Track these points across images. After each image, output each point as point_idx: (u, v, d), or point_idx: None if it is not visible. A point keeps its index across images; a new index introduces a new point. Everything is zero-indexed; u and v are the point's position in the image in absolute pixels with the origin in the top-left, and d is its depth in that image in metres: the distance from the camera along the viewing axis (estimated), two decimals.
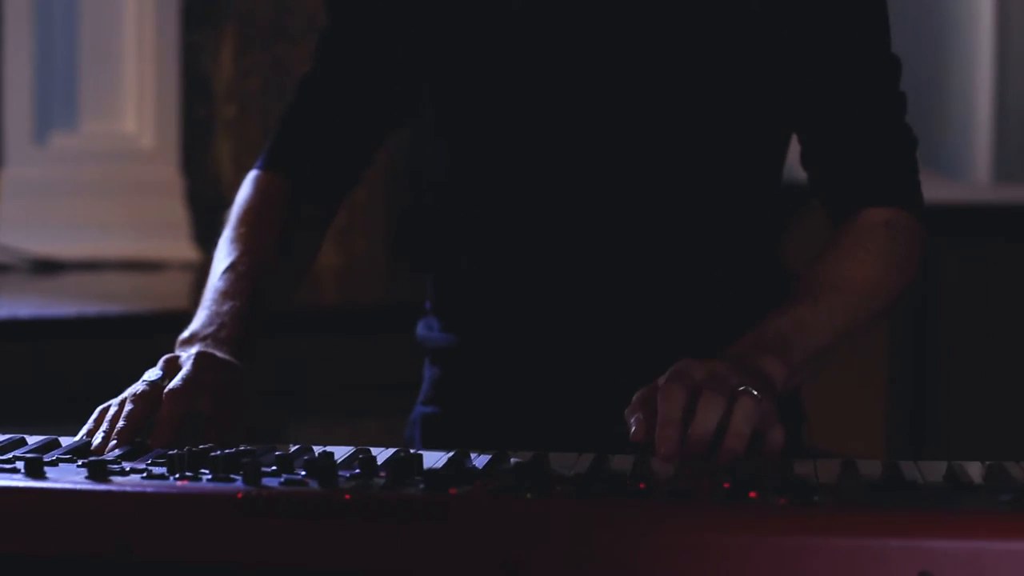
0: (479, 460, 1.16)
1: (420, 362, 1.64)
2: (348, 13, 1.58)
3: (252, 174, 1.62)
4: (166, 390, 1.27)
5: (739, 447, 1.19)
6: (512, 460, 1.18)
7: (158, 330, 2.88)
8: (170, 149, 3.91)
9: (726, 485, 1.00)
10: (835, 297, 1.41)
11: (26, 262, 3.66)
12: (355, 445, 1.20)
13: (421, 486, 0.98)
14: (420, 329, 1.63)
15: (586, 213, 1.50)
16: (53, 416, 2.78)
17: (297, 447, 1.21)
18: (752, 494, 0.97)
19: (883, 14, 1.49)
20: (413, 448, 1.58)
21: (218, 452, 1.05)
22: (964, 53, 3.24)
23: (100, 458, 1.03)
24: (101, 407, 1.30)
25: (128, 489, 0.98)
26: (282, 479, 1.00)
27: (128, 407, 1.27)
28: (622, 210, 1.49)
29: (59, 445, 1.24)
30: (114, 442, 1.24)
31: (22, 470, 1.03)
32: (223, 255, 1.54)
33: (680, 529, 0.91)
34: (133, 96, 3.88)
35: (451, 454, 1.17)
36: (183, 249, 3.79)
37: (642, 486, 1.01)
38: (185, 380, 1.28)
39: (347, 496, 0.93)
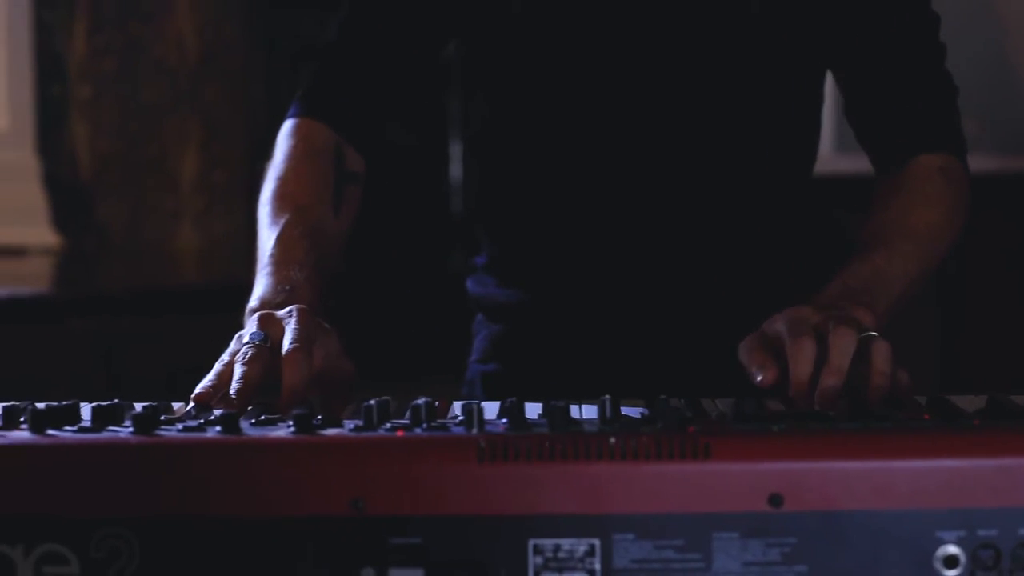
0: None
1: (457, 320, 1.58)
2: None
3: (290, 122, 1.50)
4: (286, 353, 1.17)
5: (886, 385, 1.19)
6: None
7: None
8: (25, 131, 3.76)
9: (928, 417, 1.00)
10: (906, 245, 1.42)
11: None
12: None
13: (659, 424, 0.94)
14: (471, 285, 1.57)
15: (641, 167, 1.49)
16: None
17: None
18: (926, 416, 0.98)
19: None
20: None
21: (413, 404, 0.99)
22: None
23: (301, 413, 0.95)
24: (199, 388, 1.20)
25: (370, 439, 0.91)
26: (506, 422, 0.95)
27: (240, 369, 1.17)
28: (677, 166, 1.49)
29: (171, 412, 1.16)
30: (231, 399, 1.14)
31: (214, 428, 0.95)
32: (275, 213, 1.41)
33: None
34: None
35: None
36: (42, 234, 3.64)
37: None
38: (302, 341, 1.19)
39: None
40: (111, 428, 0.97)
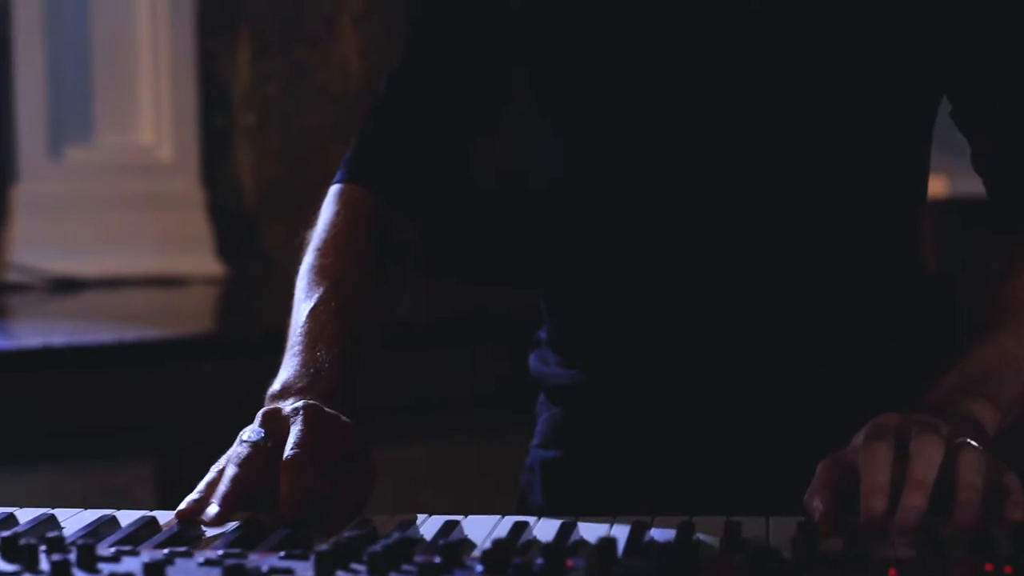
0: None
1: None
2: (444, 3, 1.40)
3: (335, 188, 1.41)
4: (285, 459, 1.08)
5: (976, 501, 1.02)
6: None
7: (179, 356, 2.74)
8: (189, 160, 3.76)
9: (994, 568, 0.83)
10: None
11: (44, 281, 3.50)
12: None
13: None
14: (533, 362, 1.44)
15: (717, 246, 1.32)
16: (62, 451, 2.62)
17: (436, 529, 1.03)
18: None
19: None
20: (532, 496, 1.40)
21: (375, 548, 0.87)
22: None
23: (237, 562, 0.84)
24: (185, 501, 1.11)
25: None
26: None
27: (232, 471, 1.09)
28: (756, 227, 1.32)
29: (158, 528, 1.06)
30: (216, 509, 1.06)
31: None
32: (310, 288, 1.32)
33: None
34: (149, 106, 3.75)
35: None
36: (206, 264, 3.64)
37: (892, 572, 0.83)
38: (304, 445, 1.09)
39: None
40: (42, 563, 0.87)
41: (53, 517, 1.08)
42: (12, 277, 3.53)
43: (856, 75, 1.30)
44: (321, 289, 1.31)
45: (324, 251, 1.36)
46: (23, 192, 3.60)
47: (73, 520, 1.10)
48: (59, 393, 2.67)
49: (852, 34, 1.29)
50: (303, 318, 1.28)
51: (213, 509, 1.06)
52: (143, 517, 1.08)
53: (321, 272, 1.33)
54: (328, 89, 3.74)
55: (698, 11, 1.30)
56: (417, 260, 1.43)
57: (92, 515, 1.11)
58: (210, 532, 1.05)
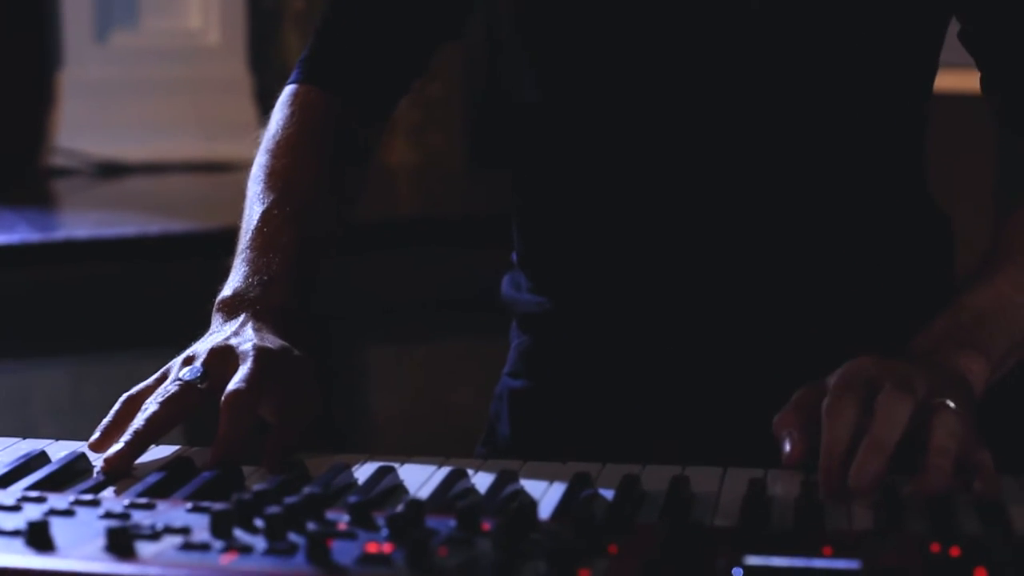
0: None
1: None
2: None
3: (290, 88, 1.34)
4: (226, 395, 1.03)
5: (947, 467, 0.95)
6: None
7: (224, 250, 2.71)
8: (237, 45, 3.71)
9: (936, 550, 0.76)
10: None
11: (90, 165, 3.49)
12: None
13: (541, 566, 0.74)
14: (506, 287, 1.37)
15: (695, 169, 1.23)
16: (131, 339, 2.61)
17: (368, 475, 0.98)
18: (981, 571, 0.73)
19: None
20: (500, 426, 1.35)
21: (275, 508, 0.82)
22: None
23: (123, 524, 0.79)
24: (125, 396, 1.07)
25: (158, 572, 0.75)
26: (359, 554, 0.77)
27: (152, 408, 1.04)
28: (736, 167, 1.22)
29: (87, 469, 1.01)
30: (120, 447, 1.01)
31: (24, 536, 0.80)
32: (262, 190, 1.26)
33: None
34: None
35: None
36: (252, 149, 3.60)
37: (826, 551, 0.77)
38: (249, 384, 1.04)
39: None
40: None
41: None
42: (58, 161, 3.52)
43: (844, 20, 1.19)
44: (274, 192, 1.25)
45: (277, 152, 1.30)
46: (69, 77, 3.57)
47: (8, 452, 1.06)
48: (114, 284, 2.68)
49: None
50: (255, 221, 1.23)
51: (117, 447, 1.01)
52: (75, 452, 1.03)
53: (274, 174, 1.27)
54: None
55: None
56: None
57: (28, 446, 1.07)
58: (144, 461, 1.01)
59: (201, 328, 1.17)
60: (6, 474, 0.97)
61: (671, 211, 1.23)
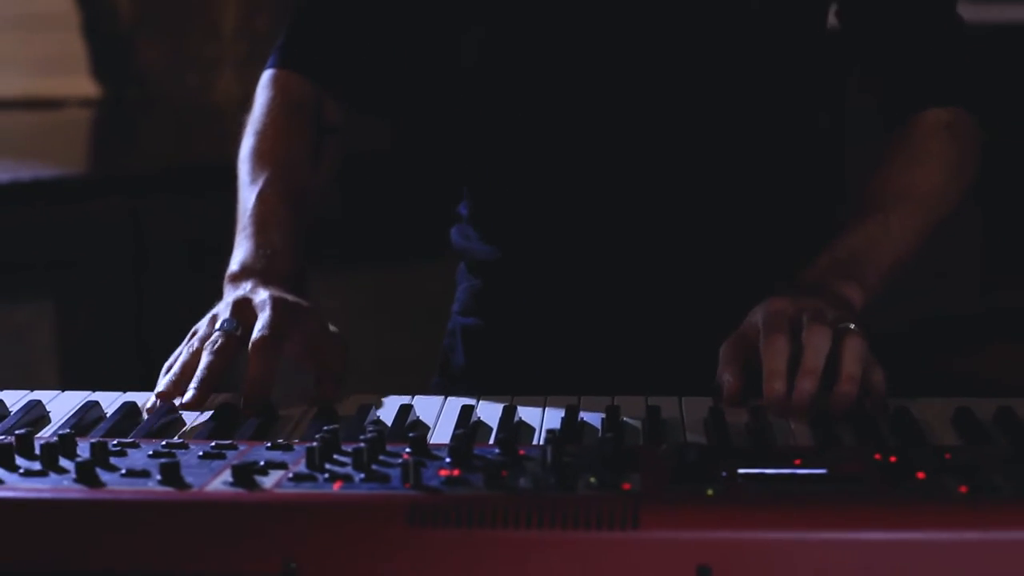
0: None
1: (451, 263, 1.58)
2: None
3: (270, 72, 1.50)
4: (254, 341, 1.19)
5: (853, 391, 1.18)
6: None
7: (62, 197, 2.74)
8: None
9: (878, 458, 0.99)
10: (903, 208, 1.38)
11: None
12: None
13: (592, 479, 0.95)
14: (455, 236, 1.56)
15: (629, 128, 1.44)
16: None
17: (394, 413, 1.17)
18: (920, 475, 0.96)
19: None
20: (454, 358, 1.54)
21: (357, 445, 1.00)
22: None
23: (242, 462, 0.96)
24: (166, 366, 1.22)
25: (287, 499, 0.92)
26: (445, 479, 0.96)
27: (207, 358, 1.19)
28: (665, 128, 1.44)
29: (139, 416, 1.18)
30: (193, 394, 1.17)
31: (155, 474, 0.97)
32: (254, 171, 1.41)
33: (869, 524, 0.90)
34: None
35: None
36: (82, 85, 3.64)
37: (797, 462, 0.99)
38: (272, 329, 1.20)
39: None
40: (62, 462, 0.99)
41: (40, 403, 1.19)
42: None
43: (752, 25, 1.41)
44: (267, 173, 1.41)
45: (264, 135, 1.45)
46: None
47: (55, 404, 1.21)
48: None
49: None
50: (252, 201, 1.38)
51: (191, 394, 1.17)
52: (124, 404, 1.19)
53: (264, 156, 1.43)
54: None
55: None
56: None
57: (71, 398, 1.22)
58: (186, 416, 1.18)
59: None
60: (75, 424, 1.13)
61: (607, 173, 1.44)
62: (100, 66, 3.68)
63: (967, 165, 1.44)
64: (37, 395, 1.21)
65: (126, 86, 3.69)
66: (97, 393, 1.23)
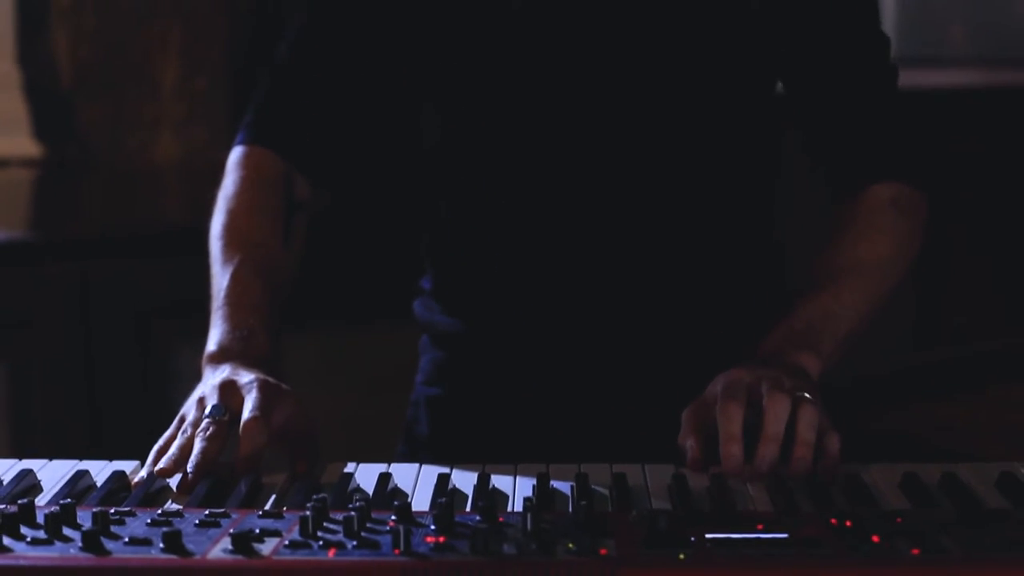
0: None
1: (414, 337, 1.64)
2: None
3: (239, 150, 1.55)
4: (244, 423, 1.24)
5: (808, 456, 1.25)
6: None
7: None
8: (5, 40, 3.75)
9: (834, 523, 1.06)
10: (855, 281, 1.45)
11: None
12: None
13: (570, 545, 1.01)
14: (418, 309, 1.62)
15: (584, 202, 1.51)
16: None
17: (374, 481, 1.22)
18: (875, 538, 1.03)
19: None
20: (418, 428, 1.59)
21: (347, 513, 1.05)
22: None
23: (240, 530, 1.02)
24: (157, 446, 1.27)
25: (288, 566, 0.98)
26: (432, 545, 1.02)
27: (201, 444, 1.24)
28: (618, 199, 1.52)
29: (127, 483, 1.23)
30: (190, 478, 1.22)
31: (158, 542, 1.02)
32: (227, 248, 1.46)
33: None
34: None
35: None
36: (23, 145, 3.66)
37: (760, 527, 1.06)
38: (260, 411, 1.25)
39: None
40: (65, 531, 1.03)
41: (31, 472, 1.23)
42: None
43: (697, 66, 1.48)
44: (239, 252, 1.46)
45: (236, 213, 1.50)
46: None
47: (45, 472, 1.26)
48: None
49: (701, 42, 1.47)
50: (226, 281, 1.43)
51: (188, 478, 1.22)
52: (113, 473, 1.24)
53: (236, 234, 1.48)
54: None
55: (569, 18, 1.46)
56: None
57: (59, 467, 1.27)
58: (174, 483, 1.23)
59: None
60: (68, 494, 1.18)
61: (566, 248, 1.52)
62: (41, 126, 3.71)
63: (913, 239, 1.52)
64: (26, 464, 1.26)
65: (67, 146, 3.72)
66: (84, 462, 1.28)
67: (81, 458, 1.28)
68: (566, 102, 1.49)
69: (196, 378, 1.36)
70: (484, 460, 1.29)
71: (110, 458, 1.28)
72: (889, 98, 1.52)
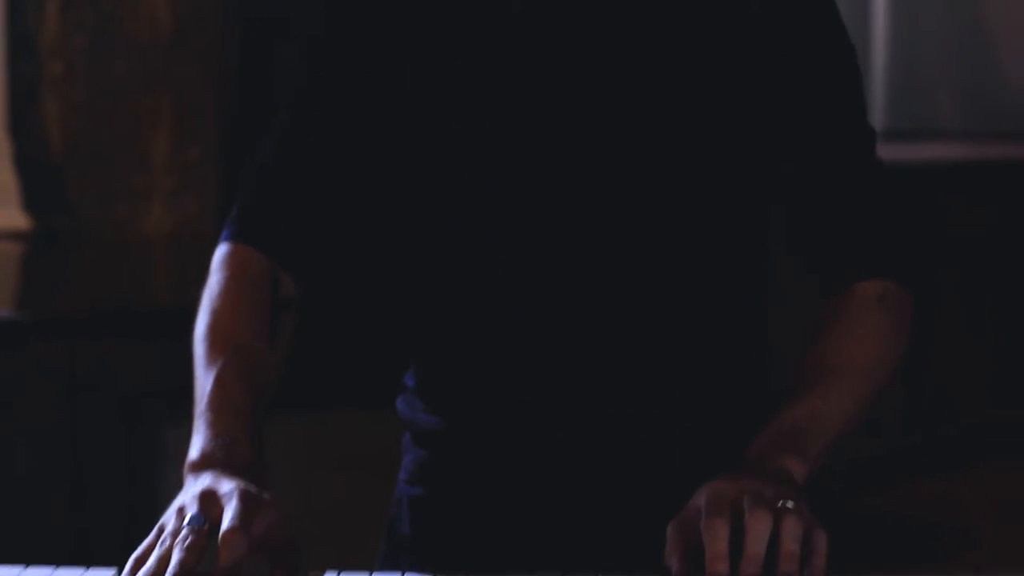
0: None
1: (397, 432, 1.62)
2: (326, 70, 1.51)
3: (224, 248, 1.53)
4: (224, 533, 1.23)
5: (794, 569, 1.24)
6: None
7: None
8: None
9: None
10: (843, 381, 1.44)
11: None
12: None
13: None
14: (401, 406, 1.60)
15: (569, 297, 1.50)
16: None
17: None
18: None
19: (860, 84, 1.52)
20: (400, 527, 1.58)
21: None
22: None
23: None
24: (135, 556, 1.26)
25: None
26: None
27: (179, 555, 1.23)
28: (605, 296, 1.51)
29: None
30: None
31: None
32: (211, 351, 1.44)
33: None
34: None
35: None
36: (12, 217, 3.66)
37: None
38: (241, 521, 1.24)
39: None
40: None
41: None
42: None
43: (681, 156, 1.47)
44: (224, 356, 1.44)
45: (220, 313, 1.48)
46: None
47: None
48: None
49: (676, 97, 1.46)
50: (210, 385, 1.41)
51: None
52: None
53: (220, 335, 1.46)
54: (136, 39, 3.77)
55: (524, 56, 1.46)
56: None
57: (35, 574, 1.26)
58: None
59: None
60: None
61: (553, 348, 1.50)
62: (31, 197, 3.71)
63: (900, 336, 1.50)
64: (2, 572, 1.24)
65: (57, 217, 3.72)
66: (60, 570, 1.26)
67: (63, 553, 1.27)
68: (547, 200, 1.48)
69: (183, 461, 1.34)
70: (467, 565, 1.28)
71: (93, 549, 1.27)
72: (875, 195, 1.52)
